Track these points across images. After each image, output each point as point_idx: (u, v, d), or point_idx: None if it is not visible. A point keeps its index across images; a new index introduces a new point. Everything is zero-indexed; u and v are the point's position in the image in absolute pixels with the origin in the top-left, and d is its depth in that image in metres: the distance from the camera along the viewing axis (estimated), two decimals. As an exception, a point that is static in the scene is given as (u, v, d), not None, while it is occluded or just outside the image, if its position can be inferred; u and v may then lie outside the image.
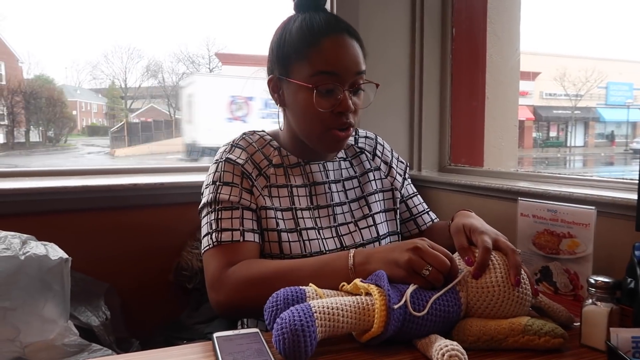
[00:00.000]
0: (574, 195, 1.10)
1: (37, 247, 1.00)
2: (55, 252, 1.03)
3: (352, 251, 0.86)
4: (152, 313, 1.43)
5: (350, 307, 0.71)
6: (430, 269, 0.76)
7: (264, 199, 1.00)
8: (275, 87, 1.04)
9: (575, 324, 0.82)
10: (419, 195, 1.21)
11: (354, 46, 0.98)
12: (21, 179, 1.46)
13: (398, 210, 1.16)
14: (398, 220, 1.16)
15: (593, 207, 0.90)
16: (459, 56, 1.75)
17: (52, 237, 1.10)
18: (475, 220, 0.90)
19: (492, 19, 1.76)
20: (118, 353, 1.13)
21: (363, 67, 0.99)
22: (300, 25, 0.98)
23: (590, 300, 0.76)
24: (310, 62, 0.96)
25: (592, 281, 0.76)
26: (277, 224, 0.99)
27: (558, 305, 0.84)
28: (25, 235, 1.03)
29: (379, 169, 1.16)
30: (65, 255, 1.04)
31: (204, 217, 1.00)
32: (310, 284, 0.78)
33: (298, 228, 1.01)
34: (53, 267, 0.99)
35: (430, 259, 0.77)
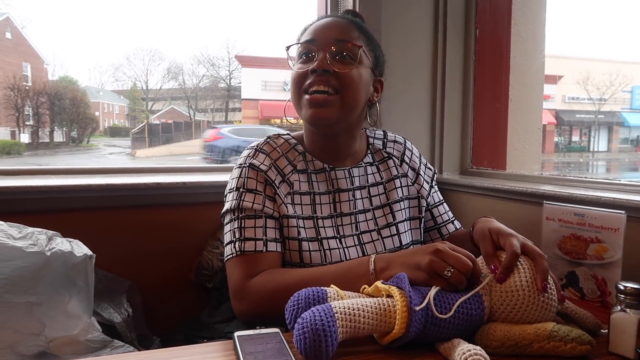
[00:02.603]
0: (602, 199, 1.07)
1: (62, 244, 1.02)
2: (80, 248, 1.05)
3: (373, 256, 0.86)
4: (173, 311, 1.44)
5: (371, 308, 0.71)
6: (452, 270, 0.75)
7: (287, 207, 1.00)
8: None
9: (602, 330, 0.81)
10: (444, 204, 1.19)
11: (339, 20, 1.05)
12: (47, 177, 1.49)
13: (423, 219, 1.14)
14: (422, 229, 1.14)
15: (623, 212, 0.88)
16: (483, 58, 1.73)
17: (76, 234, 1.12)
18: (501, 225, 0.89)
19: (517, 20, 1.74)
20: (139, 350, 1.14)
21: (345, 36, 1.01)
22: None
23: (619, 307, 0.74)
24: (299, 41, 1.05)
25: (622, 287, 0.74)
26: (299, 233, 0.99)
27: (584, 311, 0.82)
28: (51, 232, 1.05)
29: (406, 175, 1.15)
30: (90, 252, 1.05)
31: (227, 223, 1.00)
32: (332, 285, 0.78)
33: (319, 237, 1.00)
34: (78, 263, 1.01)
35: (452, 260, 0.76)
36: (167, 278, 1.46)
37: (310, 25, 1.06)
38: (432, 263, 0.77)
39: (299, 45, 1.04)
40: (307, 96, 0.99)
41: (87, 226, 1.34)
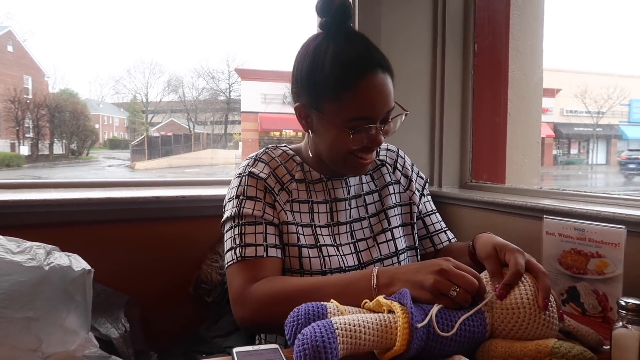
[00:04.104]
0: (602, 214, 1.07)
1: (61, 258, 1.01)
2: (79, 263, 1.04)
3: (376, 270, 0.85)
4: (171, 326, 1.43)
5: (372, 324, 0.70)
6: (457, 289, 0.75)
7: (286, 213, 1.00)
8: (303, 114, 1.01)
9: (604, 347, 0.80)
10: (437, 213, 1.20)
11: (387, 84, 0.95)
12: (46, 190, 1.49)
13: (415, 226, 1.14)
14: (416, 235, 1.14)
15: (623, 226, 0.88)
16: (481, 72, 1.74)
17: (74, 248, 1.11)
18: (505, 241, 0.88)
19: (515, 35, 1.75)
20: (137, 366, 1.13)
21: (393, 103, 0.98)
22: (333, 62, 0.93)
23: (620, 323, 0.73)
24: (345, 108, 0.93)
25: (623, 303, 0.73)
26: (298, 239, 0.99)
27: (586, 328, 0.81)
28: (49, 246, 1.04)
29: (398, 182, 1.16)
30: (88, 267, 1.05)
31: (227, 231, 1.00)
32: (332, 300, 0.77)
33: (318, 244, 1.01)
34: (76, 278, 1.00)
35: (458, 279, 0.76)
36: (166, 292, 1.45)
37: (355, 74, 0.92)
38: (436, 283, 0.76)
39: (354, 120, 0.94)
40: (357, 160, 0.99)
41: (86, 240, 1.34)
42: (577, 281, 0.94)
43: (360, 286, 0.85)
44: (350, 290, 0.85)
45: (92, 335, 1.03)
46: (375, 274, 0.85)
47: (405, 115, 1.01)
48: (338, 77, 0.93)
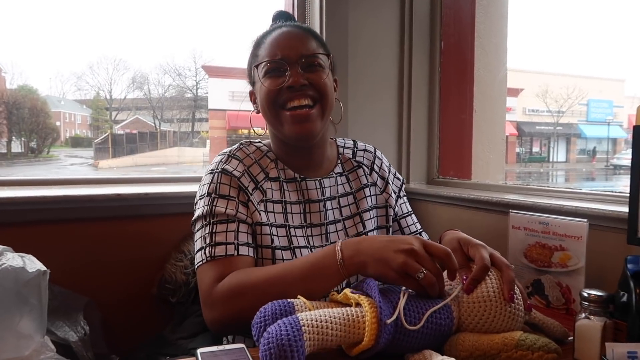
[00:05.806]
0: (565, 208, 1.10)
1: (13, 259, 0.96)
2: (33, 264, 0.99)
3: (339, 244, 0.84)
4: (134, 328, 1.38)
5: (339, 319, 0.69)
6: (424, 272, 0.74)
7: (260, 214, 0.98)
8: (253, 97, 1.09)
9: (569, 338, 0.81)
10: (413, 215, 1.19)
11: (299, 33, 1.04)
12: (0, 189, 1.42)
13: (391, 229, 1.14)
14: None
15: (585, 220, 0.90)
16: (448, 69, 1.76)
17: (30, 248, 1.06)
18: (469, 236, 0.89)
19: (480, 34, 1.78)
20: (97, 370, 1.09)
21: (311, 50, 1.01)
22: (258, 37, 1.07)
23: (583, 315, 0.75)
24: (261, 59, 1.02)
25: (585, 295, 0.75)
26: (272, 241, 0.97)
27: (552, 320, 0.83)
28: (1, 247, 0.99)
29: (375, 184, 1.14)
30: (44, 268, 1.00)
31: (197, 230, 0.97)
32: (299, 296, 0.76)
33: (292, 246, 0.99)
34: (30, 279, 0.95)
35: (426, 263, 0.76)
36: (128, 293, 1.41)
37: (265, 38, 1.04)
38: (405, 264, 0.75)
39: (267, 64, 1.00)
40: (287, 112, 0.98)
41: (43, 240, 1.28)
42: (542, 274, 0.96)
43: (326, 263, 0.83)
44: (316, 270, 0.83)
45: (49, 339, 0.98)
46: (339, 248, 0.83)
47: (328, 57, 1.05)
48: (256, 41, 1.06)
